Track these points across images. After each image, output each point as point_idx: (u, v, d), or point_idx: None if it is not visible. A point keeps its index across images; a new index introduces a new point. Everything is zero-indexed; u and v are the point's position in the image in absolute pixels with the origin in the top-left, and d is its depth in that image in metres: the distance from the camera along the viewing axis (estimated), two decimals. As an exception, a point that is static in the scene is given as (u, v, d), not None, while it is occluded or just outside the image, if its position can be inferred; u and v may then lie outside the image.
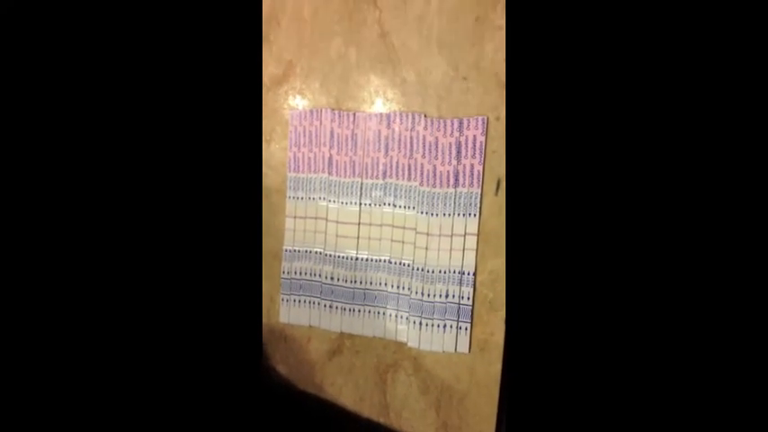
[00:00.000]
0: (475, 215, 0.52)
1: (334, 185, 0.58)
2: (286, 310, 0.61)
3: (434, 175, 0.53)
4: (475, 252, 0.52)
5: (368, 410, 0.58)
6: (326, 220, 0.58)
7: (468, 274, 0.53)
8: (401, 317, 0.56)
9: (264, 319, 0.62)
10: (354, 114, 0.56)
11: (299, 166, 0.59)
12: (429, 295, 0.54)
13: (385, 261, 0.56)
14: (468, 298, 0.53)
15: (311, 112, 0.58)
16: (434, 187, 0.54)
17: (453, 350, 0.54)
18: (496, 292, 0.52)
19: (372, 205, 0.56)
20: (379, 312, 0.57)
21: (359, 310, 0.58)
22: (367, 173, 0.56)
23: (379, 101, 0.56)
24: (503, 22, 0.50)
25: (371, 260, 0.57)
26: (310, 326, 0.60)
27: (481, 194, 0.52)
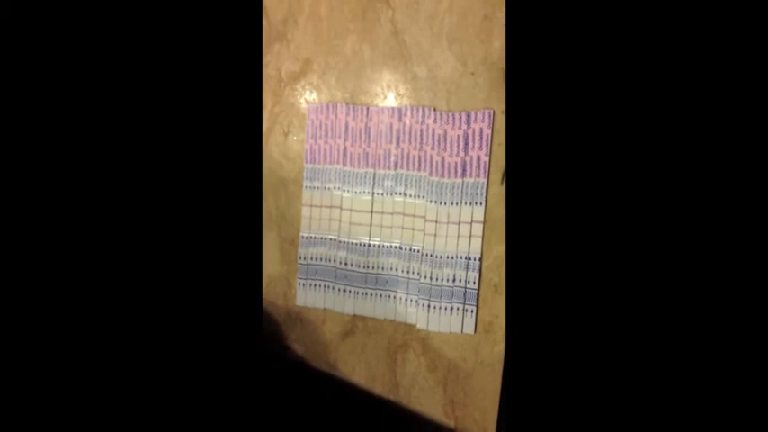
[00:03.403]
0: (481, 204, 0.55)
1: (349, 176, 0.61)
2: (302, 294, 0.65)
3: (443, 165, 0.56)
4: (481, 239, 0.55)
5: (379, 388, 0.62)
6: (341, 208, 0.62)
7: (475, 259, 0.56)
8: (411, 300, 0.59)
9: (281, 302, 0.66)
10: (368, 108, 0.60)
11: (315, 158, 0.63)
12: (437, 279, 0.57)
13: (396, 247, 0.59)
14: (474, 282, 0.56)
15: (327, 106, 0.62)
16: (443, 177, 0.56)
17: (460, 331, 0.57)
18: (501, 276, 0.55)
19: (384, 194, 0.60)
20: (389, 296, 0.60)
21: (371, 294, 0.61)
22: (379, 164, 0.59)
23: (391, 95, 0.59)
24: (509, 20, 0.53)
25: (383, 246, 0.60)
26: (325, 308, 0.64)
27: (487, 184, 0.55)
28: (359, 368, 0.63)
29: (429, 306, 0.58)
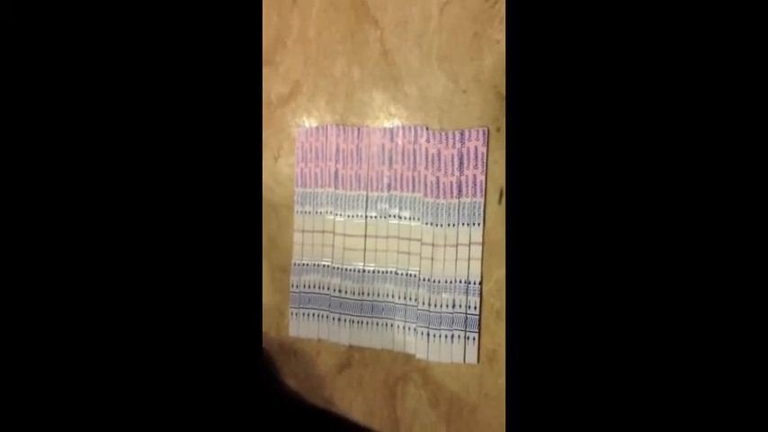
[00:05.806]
0: (479, 224, 0.53)
1: (341, 199, 0.59)
2: (295, 324, 0.61)
3: (438, 186, 0.54)
4: (480, 261, 0.53)
5: (378, 424, 0.58)
6: (334, 233, 0.59)
7: (475, 283, 0.53)
8: (409, 328, 0.56)
9: (274, 333, 0.63)
10: (359, 129, 0.58)
11: (306, 181, 0.61)
12: (436, 305, 0.54)
13: (392, 272, 0.57)
14: (475, 307, 0.53)
15: (317, 128, 0.60)
16: (438, 198, 0.54)
17: (462, 361, 0.53)
18: (503, 301, 0.52)
19: (378, 217, 0.57)
20: (387, 324, 0.57)
21: (367, 323, 0.58)
22: (372, 186, 0.57)
23: (382, 116, 0.57)
24: (500, 36, 0.52)
25: (378, 272, 0.57)
26: (319, 339, 0.60)
27: (484, 204, 0.53)
28: (356, 403, 0.59)
29: (428, 334, 0.55)
